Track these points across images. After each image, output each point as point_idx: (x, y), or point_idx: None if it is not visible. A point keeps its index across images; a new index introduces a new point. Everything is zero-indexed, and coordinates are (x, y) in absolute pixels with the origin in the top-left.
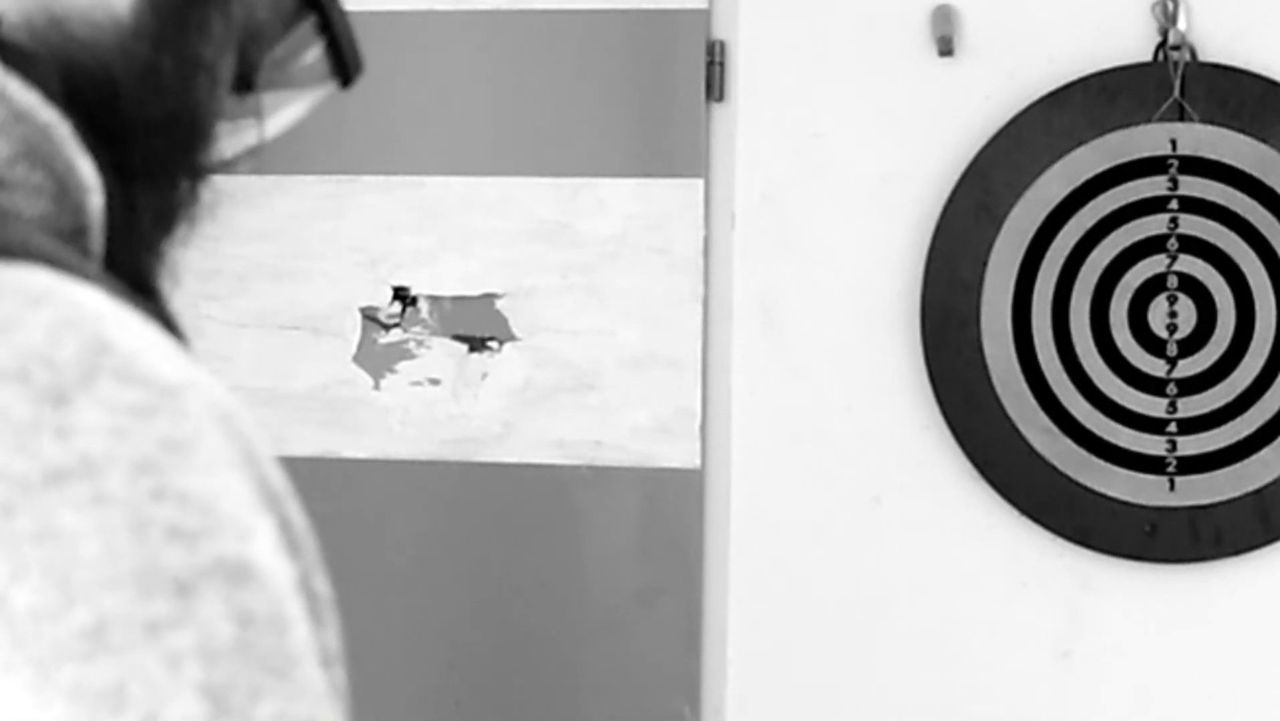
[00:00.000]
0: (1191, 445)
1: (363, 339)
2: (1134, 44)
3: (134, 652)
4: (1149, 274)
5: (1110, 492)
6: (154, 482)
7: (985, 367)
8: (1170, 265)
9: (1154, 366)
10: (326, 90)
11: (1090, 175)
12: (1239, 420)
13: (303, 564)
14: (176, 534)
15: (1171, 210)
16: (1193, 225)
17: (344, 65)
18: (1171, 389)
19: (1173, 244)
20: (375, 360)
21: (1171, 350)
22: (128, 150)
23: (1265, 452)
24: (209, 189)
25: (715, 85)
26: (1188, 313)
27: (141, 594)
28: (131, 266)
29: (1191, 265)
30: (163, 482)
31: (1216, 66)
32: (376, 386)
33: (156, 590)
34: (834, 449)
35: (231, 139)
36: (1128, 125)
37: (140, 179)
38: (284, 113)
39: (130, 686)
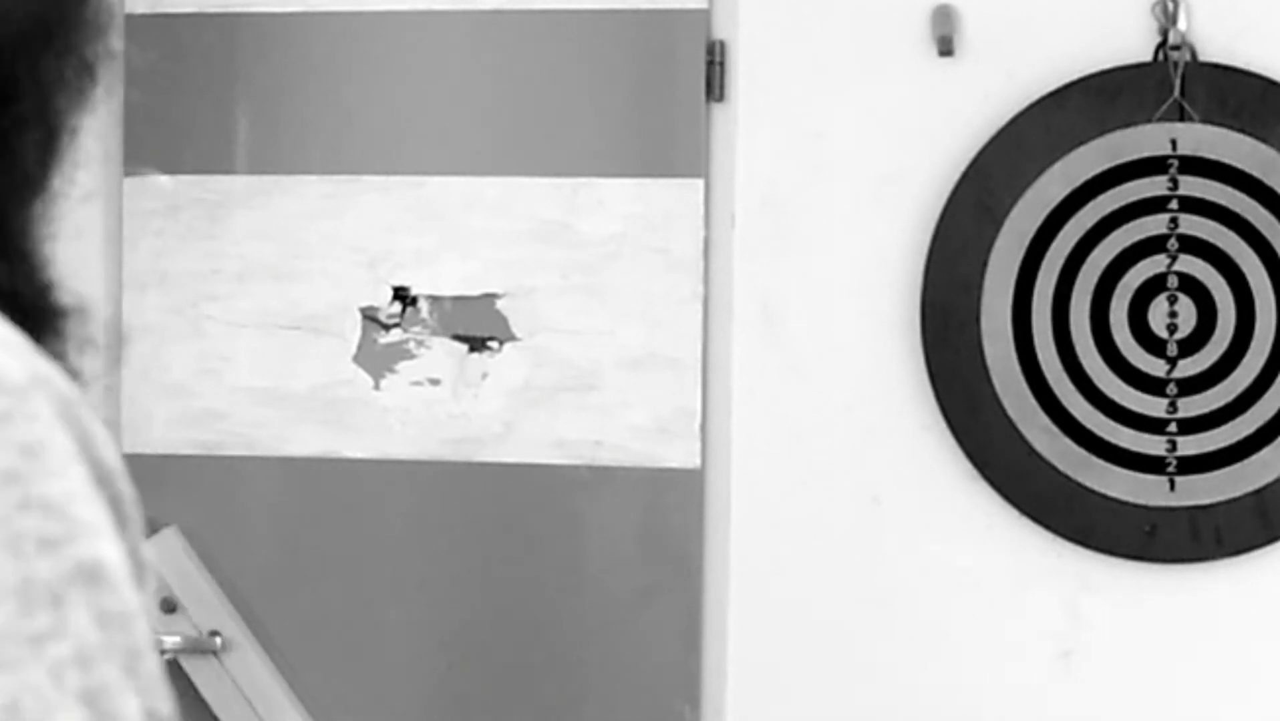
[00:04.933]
0: (1191, 445)
1: (363, 339)
2: (1134, 44)
3: (24, 668)
4: (1149, 274)
5: (1110, 492)
6: (20, 493)
7: (985, 368)
8: (1170, 265)
9: (1154, 366)
10: None
11: (1090, 175)
12: (1239, 420)
13: (130, 537)
14: (44, 544)
15: (1171, 210)
16: (1193, 225)
17: None
18: (1171, 389)
19: (1173, 244)
20: (375, 360)
21: (1171, 350)
22: (20, 105)
23: (1265, 452)
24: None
25: (715, 85)
26: (1188, 313)
27: (23, 608)
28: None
29: (1191, 265)
30: (26, 492)
31: (1216, 66)
32: (376, 386)
33: (36, 603)
34: (834, 449)
35: None
36: (1128, 125)
37: (29, 130)
38: None
39: (24, 701)
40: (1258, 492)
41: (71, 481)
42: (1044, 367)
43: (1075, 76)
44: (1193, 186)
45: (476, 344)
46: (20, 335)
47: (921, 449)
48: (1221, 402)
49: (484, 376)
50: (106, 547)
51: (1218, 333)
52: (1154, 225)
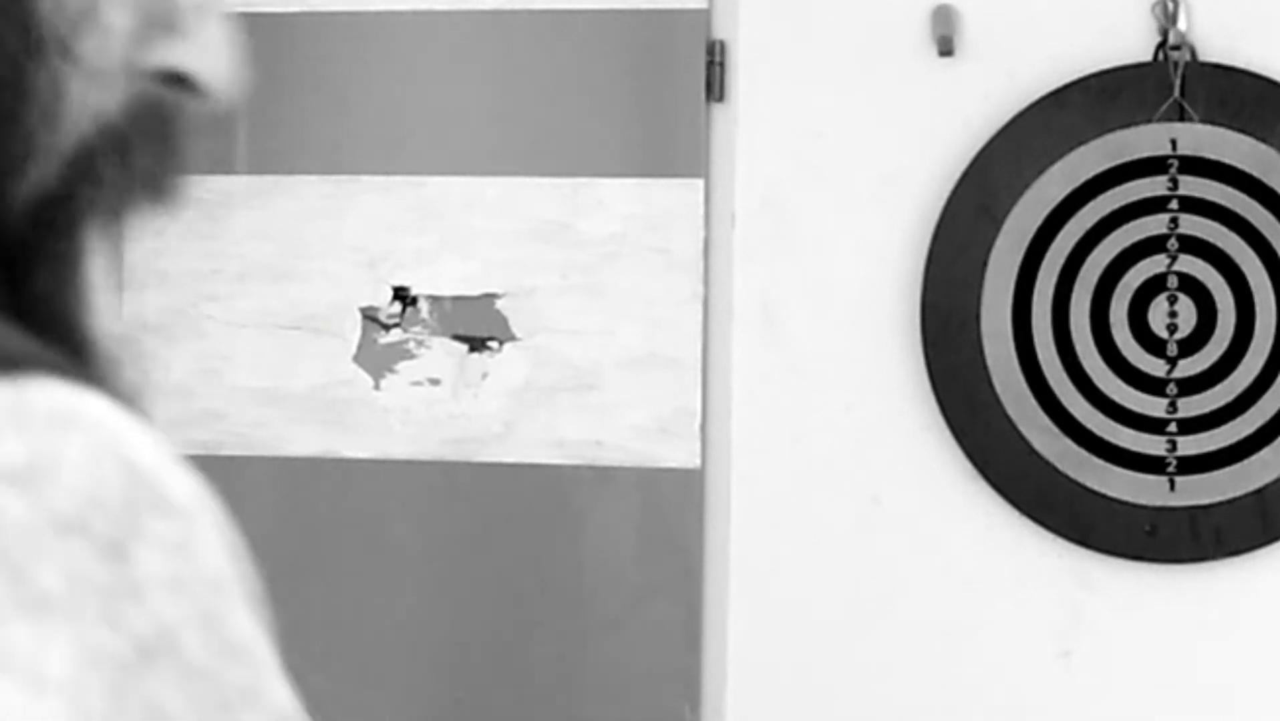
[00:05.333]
0: (1191, 445)
1: (363, 339)
2: (1134, 44)
3: None
4: (1149, 274)
5: (1110, 492)
6: (216, 639)
7: (985, 368)
8: (1170, 265)
9: (1154, 366)
10: None
11: (1090, 175)
12: (1239, 420)
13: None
14: (246, 695)
15: (1171, 210)
16: (1193, 225)
17: None
18: (1171, 389)
19: (1173, 244)
20: (375, 360)
21: (1171, 350)
22: None
23: (1265, 452)
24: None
25: (715, 85)
26: (1188, 313)
27: None
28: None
29: (1191, 265)
30: (222, 636)
31: (1216, 66)
32: (376, 386)
33: None
34: (834, 449)
35: None
36: (1128, 125)
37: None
38: None
39: None
40: (1258, 492)
41: (249, 615)
42: (1044, 367)
43: (1075, 76)
44: (1193, 186)
45: (476, 344)
46: (160, 437)
47: (921, 449)
48: (1221, 403)
49: (484, 376)
50: (285, 690)
51: (1218, 332)
52: (1154, 225)
